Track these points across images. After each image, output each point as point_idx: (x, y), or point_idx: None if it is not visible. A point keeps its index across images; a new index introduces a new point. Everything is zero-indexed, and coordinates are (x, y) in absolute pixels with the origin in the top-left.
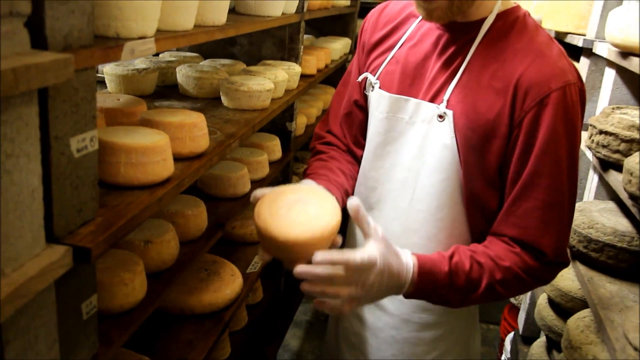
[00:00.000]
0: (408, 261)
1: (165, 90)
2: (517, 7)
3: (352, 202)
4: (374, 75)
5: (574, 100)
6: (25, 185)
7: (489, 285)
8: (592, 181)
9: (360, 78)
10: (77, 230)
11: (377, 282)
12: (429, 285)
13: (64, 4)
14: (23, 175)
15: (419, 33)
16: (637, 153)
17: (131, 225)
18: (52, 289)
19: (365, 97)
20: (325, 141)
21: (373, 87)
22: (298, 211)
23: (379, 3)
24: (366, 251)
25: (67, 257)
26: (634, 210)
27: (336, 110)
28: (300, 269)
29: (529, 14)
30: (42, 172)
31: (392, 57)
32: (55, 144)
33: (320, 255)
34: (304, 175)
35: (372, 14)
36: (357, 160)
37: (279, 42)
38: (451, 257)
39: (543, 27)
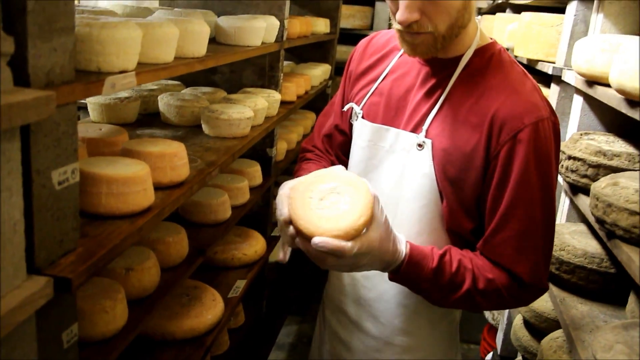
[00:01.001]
0: (401, 250)
1: (147, 119)
2: (494, 43)
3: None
4: (359, 105)
5: (547, 134)
6: (6, 218)
7: (469, 291)
8: (564, 204)
9: (346, 108)
10: (58, 260)
11: (367, 265)
12: (413, 276)
13: (46, 43)
14: (5, 209)
15: (401, 65)
16: (603, 178)
17: (112, 254)
18: (33, 319)
19: (350, 125)
20: (315, 154)
21: (357, 116)
22: (329, 203)
23: (357, 30)
24: (364, 241)
25: (48, 288)
26: (601, 233)
27: (320, 129)
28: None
29: (505, 50)
30: (24, 205)
31: (376, 89)
32: (37, 178)
33: (318, 240)
34: (294, 175)
35: (361, 44)
36: None
37: (259, 70)
38: (442, 256)
39: (517, 63)
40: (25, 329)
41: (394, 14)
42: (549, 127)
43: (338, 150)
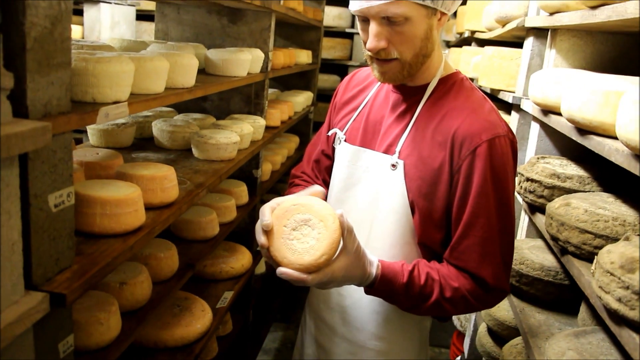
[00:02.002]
0: (372, 272)
1: (142, 143)
2: (457, 73)
3: (339, 211)
4: (342, 131)
5: (503, 149)
6: (5, 239)
7: (437, 300)
8: (523, 222)
9: (330, 133)
10: (54, 277)
11: (335, 286)
12: (386, 291)
13: (44, 77)
14: (3, 231)
15: (378, 95)
16: (557, 199)
17: (105, 271)
18: (30, 331)
19: (333, 149)
20: (302, 179)
21: (340, 140)
22: (300, 235)
23: (338, 60)
24: (327, 272)
25: (45, 303)
26: (555, 249)
27: (309, 156)
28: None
29: (467, 78)
30: (22, 226)
31: (357, 115)
32: (34, 201)
33: (282, 270)
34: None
35: (346, 79)
36: (325, 196)
37: (246, 98)
38: (411, 271)
39: (478, 89)
40: (24, 341)
41: (365, 43)
42: (505, 143)
43: (325, 173)
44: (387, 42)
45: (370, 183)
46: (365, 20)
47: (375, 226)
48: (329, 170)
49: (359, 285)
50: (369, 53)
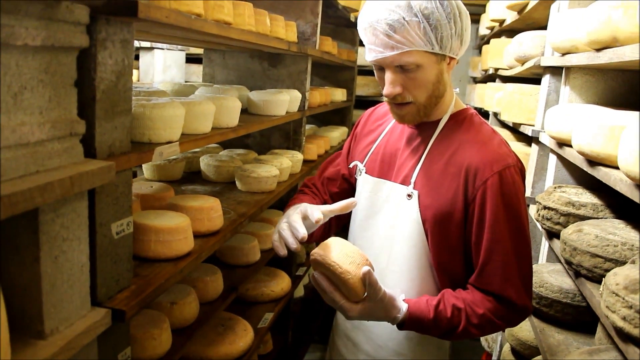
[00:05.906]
0: (398, 317)
1: (191, 176)
2: (467, 109)
3: (364, 270)
4: (362, 162)
5: (514, 178)
6: (76, 262)
7: (465, 328)
8: (543, 247)
9: (352, 165)
10: (115, 295)
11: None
12: (416, 327)
13: (109, 122)
14: (75, 254)
15: (394, 130)
16: (571, 225)
17: (158, 291)
18: (95, 342)
19: (355, 179)
20: (311, 190)
21: (361, 172)
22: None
23: (371, 97)
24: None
25: (107, 318)
26: (570, 273)
27: (323, 170)
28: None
29: (477, 114)
30: (89, 251)
31: (375, 148)
32: (100, 229)
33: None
34: (290, 202)
35: (366, 112)
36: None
37: (285, 134)
38: (437, 305)
39: (487, 123)
40: (89, 350)
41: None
42: (515, 172)
43: (335, 193)
44: (401, 87)
45: (389, 212)
46: (381, 69)
47: (394, 251)
48: (340, 192)
49: (386, 320)
50: (386, 99)
